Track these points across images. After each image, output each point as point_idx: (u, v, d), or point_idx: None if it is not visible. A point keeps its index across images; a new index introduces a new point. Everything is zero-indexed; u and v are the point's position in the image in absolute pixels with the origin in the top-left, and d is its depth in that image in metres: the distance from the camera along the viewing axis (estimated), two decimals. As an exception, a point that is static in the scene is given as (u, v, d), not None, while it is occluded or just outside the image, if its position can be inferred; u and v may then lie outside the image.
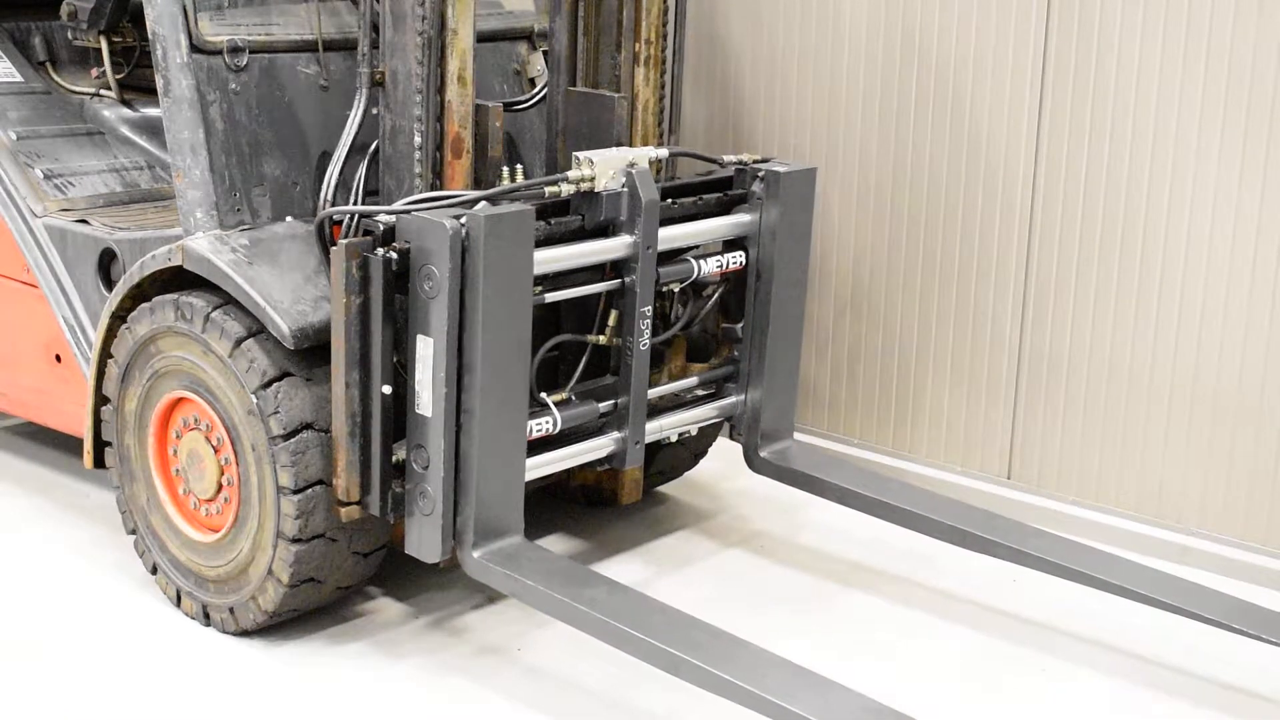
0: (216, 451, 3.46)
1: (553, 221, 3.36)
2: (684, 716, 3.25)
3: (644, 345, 3.52)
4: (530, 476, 3.40)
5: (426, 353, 3.13)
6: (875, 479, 3.83)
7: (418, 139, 3.32)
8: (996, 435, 4.35)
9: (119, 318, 3.62)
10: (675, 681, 3.33)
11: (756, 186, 3.71)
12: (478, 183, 3.45)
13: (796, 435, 3.96)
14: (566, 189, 3.35)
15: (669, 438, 3.80)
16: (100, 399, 3.72)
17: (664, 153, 3.56)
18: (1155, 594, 3.34)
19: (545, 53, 4.02)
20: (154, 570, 3.68)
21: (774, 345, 3.79)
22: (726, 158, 3.79)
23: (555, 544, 4.04)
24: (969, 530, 3.55)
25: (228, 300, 3.37)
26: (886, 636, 3.61)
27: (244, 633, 3.52)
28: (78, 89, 4.30)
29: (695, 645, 3.00)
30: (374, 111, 3.40)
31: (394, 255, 3.11)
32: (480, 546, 3.26)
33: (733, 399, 3.86)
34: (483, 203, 3.20)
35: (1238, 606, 3.35)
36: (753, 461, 3.88)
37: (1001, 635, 3.61)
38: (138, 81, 4.19)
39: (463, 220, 3.09)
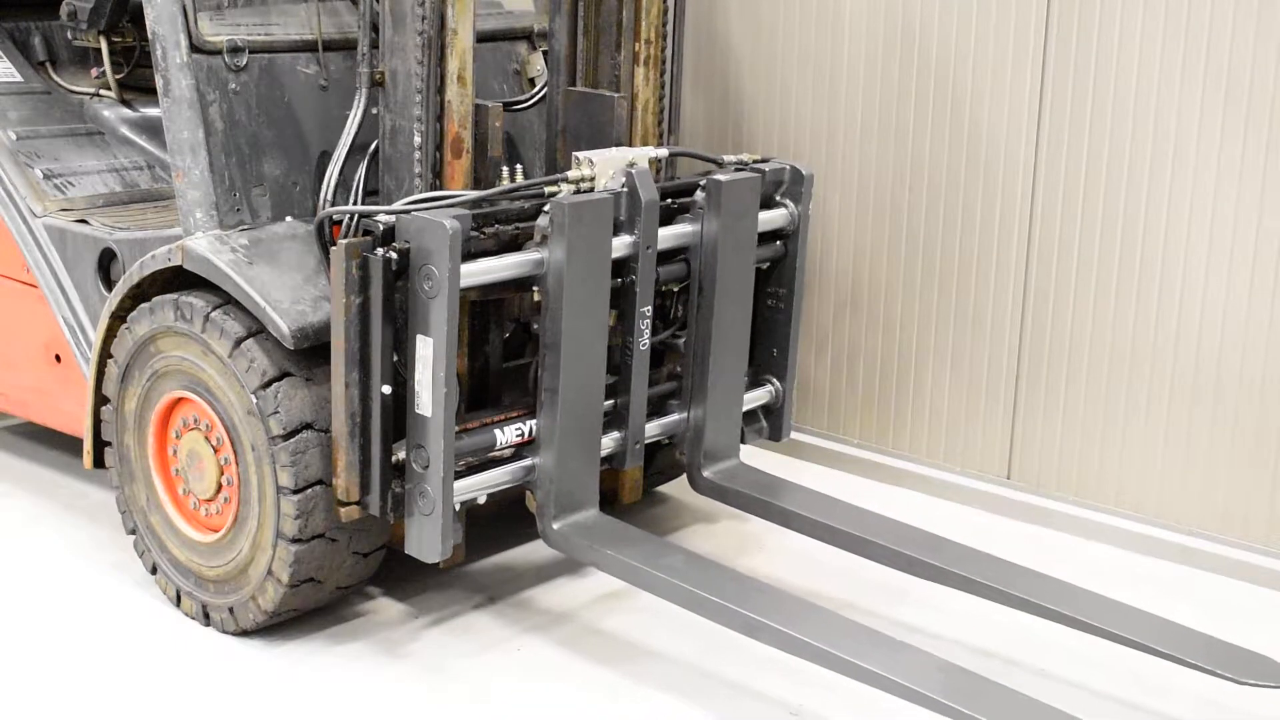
0: (216, 451, 3.46)
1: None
2: (683, 715, 3.25)
3: (644, 345, 3.52)
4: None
5: (426, 353, 3.14)
6: (821, 501, 3.70)
7: (417, 139, 3.32)
8: (996, 435, 4.35)
9: (119, 318, 3.62)
10: (674, 684, 3.34)
11: (698, 195, 3.58)
12: (477, 183, 3.45)
13: (795, 434, 3.92)
14: (566, 189, 3.35)
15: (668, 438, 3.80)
16: (100, 399, 3.72)
17: (664, 152, 3.56)
18: (1112, 627, 3.18)
19: (545, 53, 4.02)
20: (154, 570, 3.69)
21: (717, 361, 3.67)
22: (726, 158, 3.78)
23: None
24: (916, 556, 3.44)
25: (227, 300, 3.37)
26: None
27: (244, 633, 3.52)
28: (78, 89, 4.30)
29: (770, 609, 3.12)
30: (374, 111, 3.40)
31: (394, 255, 3.11)
32: (560, 519, 3.40)
33: (675, 416, 3.73)
34: (563, 191, 3.31)
35: (1205, 643, 3.19)
36: (696, 482, 3.75)
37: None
38: (138, 81, 4.18)
39: (547, 208, 3.23)
